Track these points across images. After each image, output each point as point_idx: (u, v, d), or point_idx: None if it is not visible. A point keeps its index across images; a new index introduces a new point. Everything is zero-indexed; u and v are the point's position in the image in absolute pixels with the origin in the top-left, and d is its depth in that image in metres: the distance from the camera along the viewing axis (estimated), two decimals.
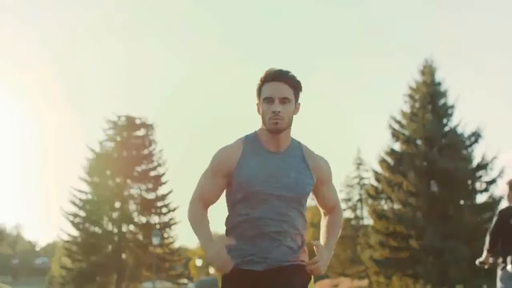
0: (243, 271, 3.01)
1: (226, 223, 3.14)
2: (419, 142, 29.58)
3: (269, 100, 3.02)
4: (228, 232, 3.11)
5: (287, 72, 3.08)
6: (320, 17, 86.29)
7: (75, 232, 36.95)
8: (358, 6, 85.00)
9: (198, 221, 3.10)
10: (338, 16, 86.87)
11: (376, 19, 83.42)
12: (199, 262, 53.69)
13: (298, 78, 3.12)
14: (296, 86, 3.08)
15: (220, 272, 3.00)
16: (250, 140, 3.11)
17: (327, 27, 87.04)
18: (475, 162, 29.51)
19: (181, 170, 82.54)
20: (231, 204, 3.11)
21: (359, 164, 42.10)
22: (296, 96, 3.09)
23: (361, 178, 41.96)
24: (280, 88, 3.02)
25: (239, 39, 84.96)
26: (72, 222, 36.83)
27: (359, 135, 73.98)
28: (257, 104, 3.11)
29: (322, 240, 3.17)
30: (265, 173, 3.03)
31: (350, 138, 77.86)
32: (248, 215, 3.02)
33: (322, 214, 3.31)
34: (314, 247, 3.05)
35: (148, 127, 38.58)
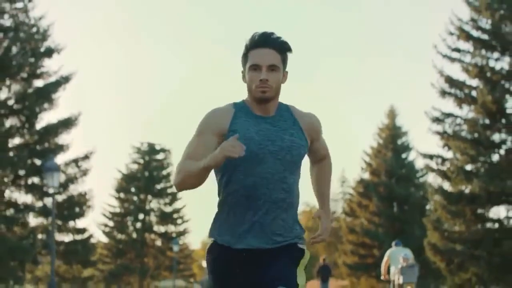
0: (229, 251, 3.08)
1: (219, 195, 3.15)
2: (382, 173, 41.48)
3: (255, 68, 3.04)
4: (221, 205, 3.14)
5: (273, 35, 3.10)
6: (320, 20, 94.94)
7: (105, 239, 48.59)
8: (358, 11, 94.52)
9: (187, 167, 3.00)
10: (338, 19, 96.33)
11: (375, 22, 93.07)
12: (204, 264, 65.40)
13: (286, 40, 3.12)
14: (284, 51, 3.10)
15: (232, 154, 2.81)
16: (240, 105, 3.15)
17: (327, 29, 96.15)
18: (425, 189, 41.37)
19: None
20: (222, 171, 3.11)
21: (343, 182, 54.19)
22: (284, 63, 3.12)
23: (345, 194, 54.02)
24: (267, 55, 3.05)
25: (239, 42, 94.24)
26: (103, 231, 48.47)
27: (350, 142, 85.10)
28: (242, 72, 3.14)
29: (315, 193, 3.37)
30: (260, 135, 3.06)
31: (338, 150, 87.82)
32: (243, 181, 3.04)
33: (310, 163, 3.38)
34: (316, 217, 3.24)
35: (166, 152, 50.33)
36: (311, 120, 3.22)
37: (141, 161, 49.66)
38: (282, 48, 3.10)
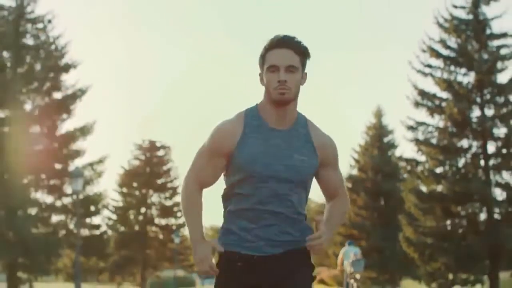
0: (241, 255, 3.18)
1: (225, 201, 3.29)
2: (369, 169, 45.82)
3: (274, 69, 3.09)
4: (226, 211, 3.27)
5: (293, 38, 3.14)
6: (321, 11, 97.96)
7: (109, 232, 52.56)
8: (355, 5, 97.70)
9: (190, 209, 3.24)
10: (334, 14, 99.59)
11: (372, 13, 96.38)
12: None
13: (305, 44, 3.17)
14: (303, 53, 3.15)
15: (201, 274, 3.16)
16: (252, 115, 3.20)
17: (324, 24, 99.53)
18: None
19: None
20: (230, 185, 3.24)
21: None
22: (303, 65, 3.17)
23: None
24: (286, 56, 3.09)
25: (236, 33, 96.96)
26: (107, 224, 52.56)
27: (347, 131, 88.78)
28: (260, 74, 3.18)
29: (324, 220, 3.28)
30: (267, 153, 3.12)
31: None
32: (247, 198, 3.16)
33: (325, 200, 3.42)
34: (315, 222, 3.12)
35: (166, 148, 54.48)
36: (326, 142, 3.25)
37: (143, 157, 53.68)
38: (301, 49, 3.14)
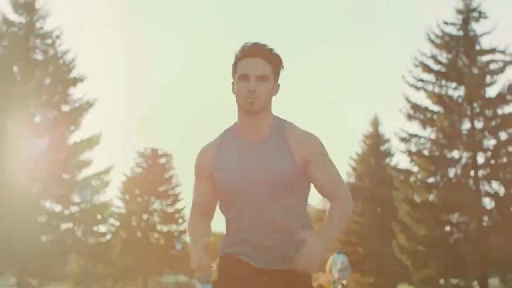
0: (241, 262, 3.16)
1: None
2: (366, 177, 47.47)
3: (244, 78, 3.07)
4: (225, 229, 3.29)
5: (264, 46, 3.13)
6: (320, 11, 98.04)
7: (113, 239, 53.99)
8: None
9: (190, 229, 3.32)
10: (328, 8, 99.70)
11: (368, 6, 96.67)
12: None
13: (278, 53, 3.13)
14: (275, 62, 3.12)
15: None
16: (229, 132, 3.21)
17: (327, 19, 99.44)
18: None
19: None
20: (219, 205, 3.28)
21: None
22: (276, 74, 3.14)
23: None
24: (256, 65, 3.07)
25: (229, 27, 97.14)
26: (109, 230, 54.00)
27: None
28: (232, 83, 3.15)
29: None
30: (239, 167, 3.12)
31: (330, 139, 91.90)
32: (232, 213, 3.17)
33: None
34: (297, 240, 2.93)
35: (168, 156, 56.01)
36: (303, 138, 3.14)
37: (145, 165, 55.21)
38: (273, 58, 3.12)
